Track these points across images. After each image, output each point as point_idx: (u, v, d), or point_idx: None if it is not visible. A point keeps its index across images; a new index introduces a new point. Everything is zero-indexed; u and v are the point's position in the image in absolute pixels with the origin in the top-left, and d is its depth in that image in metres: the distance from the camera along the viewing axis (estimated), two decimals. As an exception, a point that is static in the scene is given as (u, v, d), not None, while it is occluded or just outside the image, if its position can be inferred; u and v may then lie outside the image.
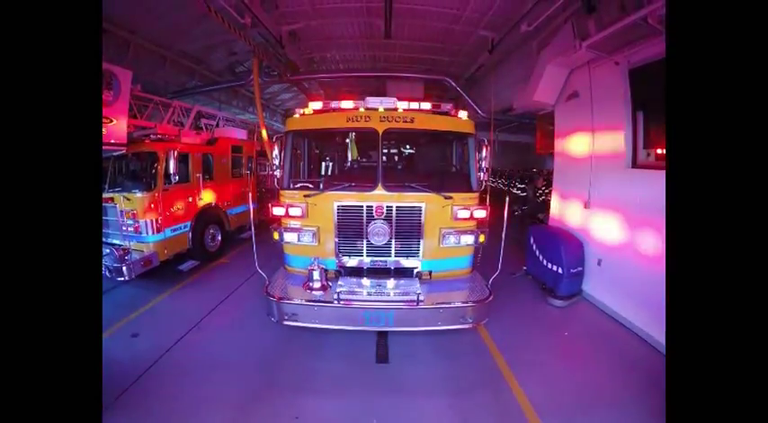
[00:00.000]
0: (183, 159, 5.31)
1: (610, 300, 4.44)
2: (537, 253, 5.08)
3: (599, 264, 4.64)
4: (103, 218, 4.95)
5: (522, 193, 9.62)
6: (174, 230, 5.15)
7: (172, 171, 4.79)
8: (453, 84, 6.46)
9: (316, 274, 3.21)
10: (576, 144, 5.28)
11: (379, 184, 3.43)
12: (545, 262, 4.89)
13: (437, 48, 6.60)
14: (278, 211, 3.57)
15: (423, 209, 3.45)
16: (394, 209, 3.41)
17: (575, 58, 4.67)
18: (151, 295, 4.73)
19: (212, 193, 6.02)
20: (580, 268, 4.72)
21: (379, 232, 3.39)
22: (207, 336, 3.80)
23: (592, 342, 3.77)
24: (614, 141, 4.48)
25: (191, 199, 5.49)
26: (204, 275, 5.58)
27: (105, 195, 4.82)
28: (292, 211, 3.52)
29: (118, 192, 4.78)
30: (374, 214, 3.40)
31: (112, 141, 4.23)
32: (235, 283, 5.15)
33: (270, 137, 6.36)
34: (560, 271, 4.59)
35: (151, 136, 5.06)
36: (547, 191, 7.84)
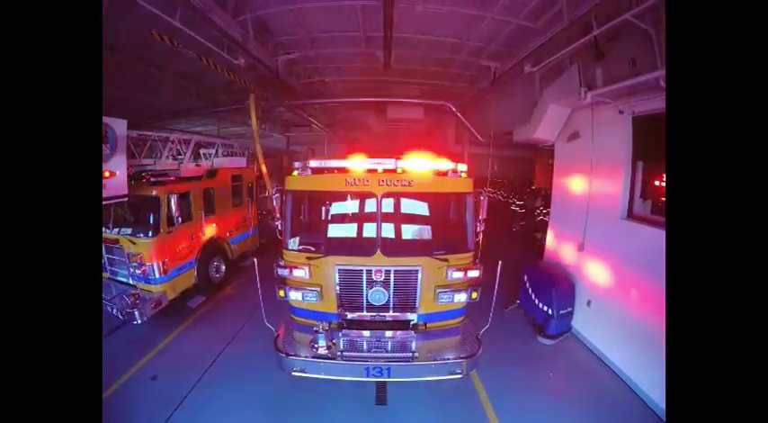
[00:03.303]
0: (184, 196, 5.35)
1: (596, 340, 4.70)
2: (530, 291, 5.27)
3: (588, 304, 4.84)
4: (110, 257, 5.08)
5: (521, 209, 9.73)
6: (180, 269, 5.29)
7: (174, 214, 4.86)
8: (453, 109, 6.36)
9: (321, 340, 3.41)
10: (573, 185, 5.31)
11: (378, 251, 3.56)
12: (537, 301, 5.09)
13: (438, 72, 6.42)
14: (282, 272, 3.73)
15: (419, 271, 3.61)
16: (392, 272, 3.58)
17: (578, 102, 4.59)
18: (162, 334, 4.94)
19: (215, 226, 6.08)
20: (570, 309, 4.93)
21: (378, 293, 3.59)
22: (222, 375, 4.12)
23: (574, 384, 4.11)
24: (611, 188, 4.52)
25: (194, 236, 5.58)
26: (212, 309, 5.75)
27: (110, 236, 4.91)
28: (296, 273, 3.71)
29: (122, 234, 4.88)
30: (373, 276, 3.57)
31: (113, 194, 4.26)
32: (242, 316, 5.34)
33: (268, 163, 6.35)
34: (551, 312, 4.80)
35: (151, 178, 5.06)
36: (545, 211, 7.91)
